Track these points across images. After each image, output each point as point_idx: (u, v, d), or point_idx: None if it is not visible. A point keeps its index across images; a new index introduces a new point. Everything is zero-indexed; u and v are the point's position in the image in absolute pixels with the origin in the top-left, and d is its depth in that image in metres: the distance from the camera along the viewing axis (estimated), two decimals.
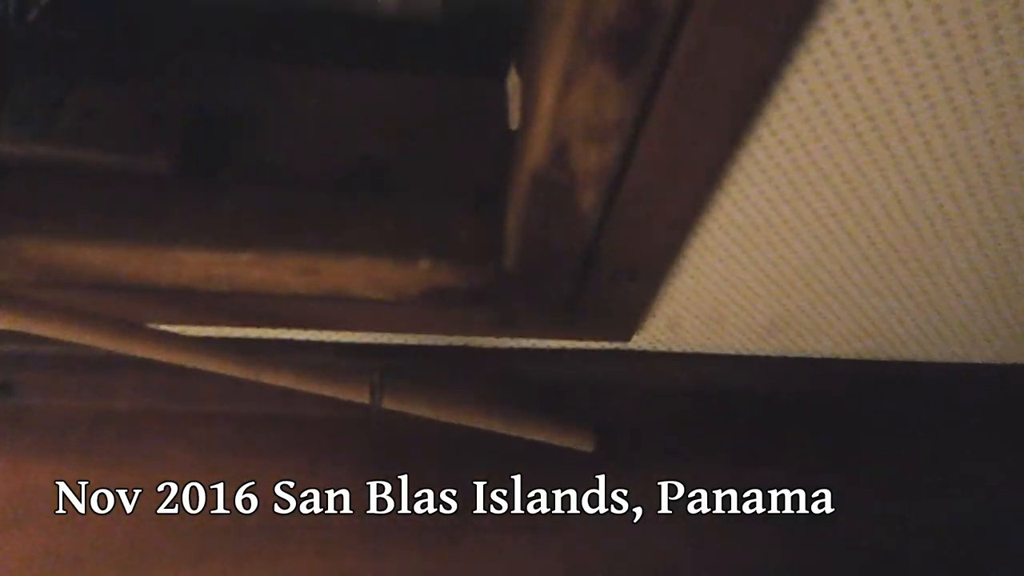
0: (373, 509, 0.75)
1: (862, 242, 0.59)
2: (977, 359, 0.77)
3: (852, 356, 0.75)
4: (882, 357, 0.76)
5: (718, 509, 0.79)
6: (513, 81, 0.69)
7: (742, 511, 0.79)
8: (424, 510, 0.76)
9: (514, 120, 0.68)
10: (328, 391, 0.63)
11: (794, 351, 0.74)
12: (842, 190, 0.53)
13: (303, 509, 0.75)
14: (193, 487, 0.75)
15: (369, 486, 0.76)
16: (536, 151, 0.48)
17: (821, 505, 0.80)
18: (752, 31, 0.39)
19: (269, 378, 0.61)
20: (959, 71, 0.44)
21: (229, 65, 0.69)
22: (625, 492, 0.78)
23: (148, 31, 0.72)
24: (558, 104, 0.44)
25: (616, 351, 0.74)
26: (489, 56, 0.72)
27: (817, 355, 0.75)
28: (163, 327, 0.59)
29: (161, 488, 0.74)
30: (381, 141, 0.66)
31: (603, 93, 0.43)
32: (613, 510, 0.77)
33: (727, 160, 0.49)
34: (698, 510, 0.78)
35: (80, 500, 0.73)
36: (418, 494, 0.76)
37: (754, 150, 0.49)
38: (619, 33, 0.39)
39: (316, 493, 0.75)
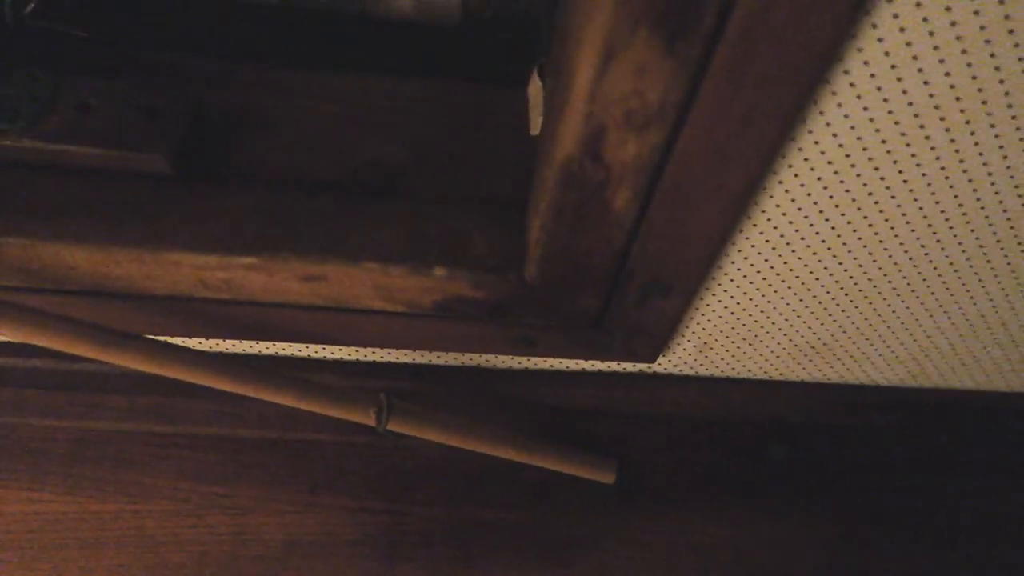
0: (376, 543, 0.70)
1: (915, 255, 0.54)
2: None
3: (896, 383, 0.70)
4: (925, 385, 0.70)
5: (746, 547, 0.73)
6: (535, 87, 0.65)
7: (771, 552, 0.73)
8: (430, 543, 0.70)
9: (535, 126, 0.65)
10: (332, 411, 0.58)
11: (832, 377, 0.69)
12: (899, 196, 0.49)
13: (300, 542, 0.69)
14: (182, 517, 0.69)
15: (372, 517, 0.71)
16: (568, 140, 0.43)
17: (854, 547, 0.75)
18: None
19: (269, 395, 0.56)
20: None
21: (237, 67, 0.65)
22: (646, 527, 0.73)
23: (153, 31, 0.68)
24: (595, 84, 0.40)
25: (640, 373, 0.69)
26: (510, 64, 0.69)
27: (857, 382, 0.70)
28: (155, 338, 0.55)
29: (148, 518, 0.69)
30: (395, 146, 0.62)
31: (647, 71, 0.39)
32: (632, 546, 0.72)
33: (777, 155, 0.45)
34: (724, 550, 0.73)
35: (60, 529, 0.68)
36: (424, 526, 0.70)
37: (806, 144, 0.45)
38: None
39: (315, 525, 0.70)
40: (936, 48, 0.39)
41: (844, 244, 0.53)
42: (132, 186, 0.56)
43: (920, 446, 0.79)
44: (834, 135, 0.44)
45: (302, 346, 0.66)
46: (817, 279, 0.56)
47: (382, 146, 0.62)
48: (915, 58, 0.40)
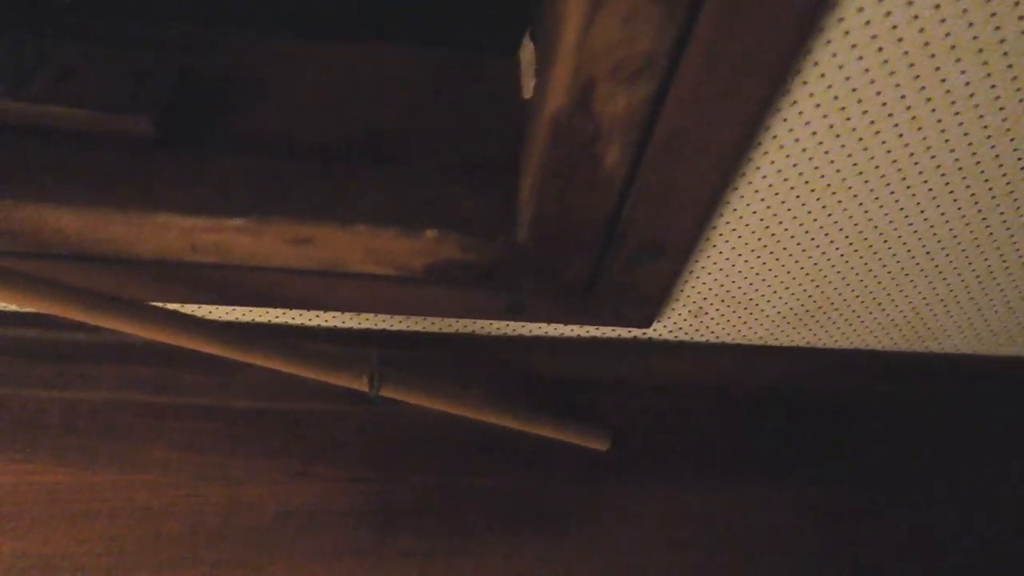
0: (369, 512, 0.70)
1: (911, 212, 0.54)
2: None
3: (889, 347, 0.70)
4: (920, 349, 0.70)
5: (741, 515, 0.73)
6: (527, 51, 0.65)
7: (767, 520, 0.73)
8: (424, 512, 0.70)
9: (527, 90, 0.64)
10: (323, 376, 0.58)
11: (827, 342, 0.69)
12: (894, 150, 0.48)
13: (293, 512, 0.69)
14: (174, 487, 0.69)
15: (365, 487, 0.70)
16: (557, 93, 0.43)
17: (850, 514, 0.75)
18: None
19: (258, 359, 0.55)
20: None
21: (226, 34, 0.64)
22: (639, 496, 0.72)
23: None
24: (584, 34, 0.39)
25: (634, 340, 0.69)
26: (501, 31, 0.68)
27: (851, 347, 0.70)
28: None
29: (140, 488, 0.69)
30: (385, 112, 0.61)
31: (635, 19, 0.38)
32: (628, 514, 0.71)
33: (770, 107, 0.44)
34: (719, 518, 0.73)
35: (51, 500, 0.68)
36: (418, 495, 0.70)
37: (799, 96, 0.44)
38: None
39: (307, 494, 0.70)
40: None
41: (839, 202, 0.52)
42: (119, 149, 0.55)
43: (918, 412, 0.79)
44: (829, 86, 0.44)
45: (294, 313, 0.65)
46: (812, 239, 0.56)
47: (372, 112, 0.61)
48: (910, 4, 0.39)
